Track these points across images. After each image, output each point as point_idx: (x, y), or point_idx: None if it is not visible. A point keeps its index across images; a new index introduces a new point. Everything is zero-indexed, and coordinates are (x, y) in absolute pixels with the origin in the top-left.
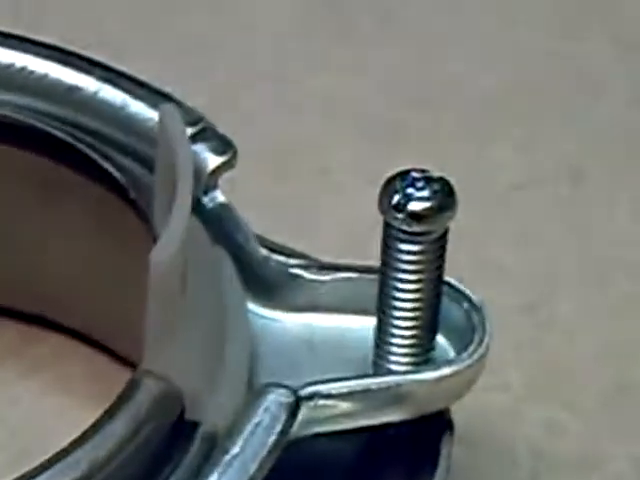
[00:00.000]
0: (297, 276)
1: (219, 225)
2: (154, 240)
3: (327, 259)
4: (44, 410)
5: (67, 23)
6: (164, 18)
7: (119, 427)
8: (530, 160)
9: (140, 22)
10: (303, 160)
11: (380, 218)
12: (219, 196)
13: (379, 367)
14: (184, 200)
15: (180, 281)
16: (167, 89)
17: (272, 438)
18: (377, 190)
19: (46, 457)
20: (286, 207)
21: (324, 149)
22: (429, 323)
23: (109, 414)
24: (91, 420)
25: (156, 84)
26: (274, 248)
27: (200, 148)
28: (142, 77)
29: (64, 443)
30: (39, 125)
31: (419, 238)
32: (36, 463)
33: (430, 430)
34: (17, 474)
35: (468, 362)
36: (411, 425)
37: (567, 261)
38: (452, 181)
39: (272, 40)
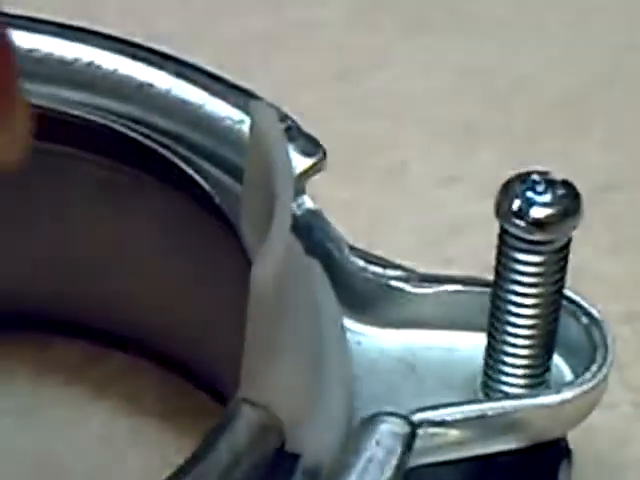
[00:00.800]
0: (397, 289)
1: (309, 233)
2: (241, 249)
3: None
4: (113, 434)
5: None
6: (227, 14)
7: (218, 459)
8: (616, 160)
9: (201, 19)
10: (372, 161)
11: (456, 221)
12: (308, 202)
13: (490, 389)
14: (284, 211)
15: (279, 300)
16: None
17: (387, 474)
18: (450, 192)
19: None
20: (356, 210)
21: (394, 150)
22: (546, 341)
23: (207, 445)
24: (165, 442)
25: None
26: (369, 259)
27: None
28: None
29: (138, 467)
30: (115, 127)
31: (541, 247)
32: None
33: (545, 458)
34: None
35: (591, 384)
36: (525, 453)
37: None
38: None
39: (336, 37)
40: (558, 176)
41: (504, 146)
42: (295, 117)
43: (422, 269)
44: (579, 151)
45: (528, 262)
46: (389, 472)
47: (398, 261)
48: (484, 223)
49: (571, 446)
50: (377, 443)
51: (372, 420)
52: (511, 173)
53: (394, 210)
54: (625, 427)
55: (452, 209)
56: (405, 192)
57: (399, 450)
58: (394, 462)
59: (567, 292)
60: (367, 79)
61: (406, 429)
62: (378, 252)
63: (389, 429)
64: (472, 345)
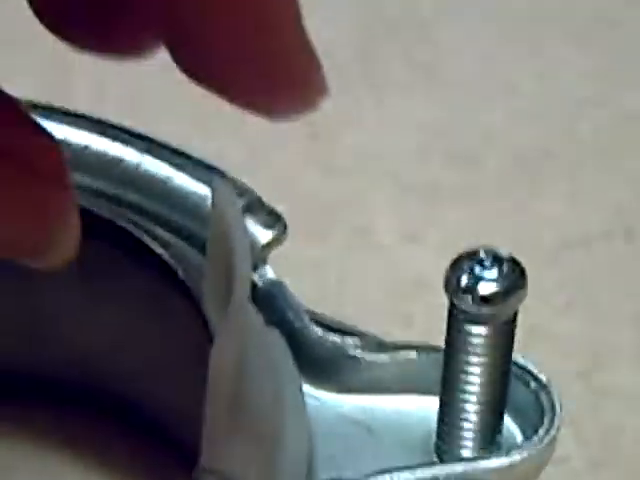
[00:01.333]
0: (354, 357)
1: (270, 303)
2: (203, 323)
3: (370, 325)
4: None
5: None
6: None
7: None
8: (579, 216)
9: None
10: (342, 220)
11: (423, 278)
12: (269, 272)
13: (444, 452)
14: (242, 288)
15: (238, 375)
16: (198, 150)
17: None
18: (415, 250)
19: None
20: (325, 268)
21: (360, 208)
22: (497, 406)
23: None
24: None
25: (187, 146)
26: (328, 325)
27: (249, 222)
28: (172, 139)
29: None
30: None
31: (488, 320)
32: None
33: None
34: None
35: (539, 447)
36: None
37: (622, 324)
38: (495, 240)
39: None
40: (504, 253)
41: (469, 203)
42: (266, 177)
43: (385, 327)
44: (541, 207)
45: (476, 334)
46: None
47: (363, 318)
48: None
49: None
50: None
51: None
52: (475, 230)
53: (361, 268)
54: None
55: (417, 267)
56: (371, 250)
57: None
58: None
59: (516, 358)
60: (337, 138)
61: None
62: (344, 310)
63: None
64: (427, 408)
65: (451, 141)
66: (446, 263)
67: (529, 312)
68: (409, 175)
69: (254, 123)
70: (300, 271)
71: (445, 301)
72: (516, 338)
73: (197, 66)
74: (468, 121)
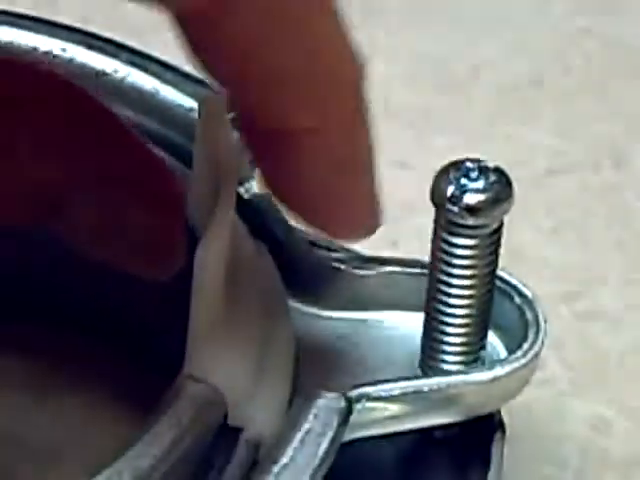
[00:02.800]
0: (340, 270)
1: (255, 217)
2: (190, 232)
3: (357, 247)
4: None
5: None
6: None
7: (162, 436)
8: (567, 143)
9: None
10: None
11: (410, 203)
12: (255, 187)
13: (428, 367)
14: (228, 197)
15: (223, 280)
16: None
17: (324, 446)
18: (402, 176)
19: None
20: None
21: None
22: (481, 320)
23: (151, 422)
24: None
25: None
26: (314, 241)
27: (237, 135)
28: (159, 52)
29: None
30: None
31: (473, 231)
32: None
33: (480, 431)
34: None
35: (523, 361)
36: (459, 427)
37: (608, 249)
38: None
39: None
40: (490, 163)
41: (457, 131)
42: None
43: (371, 250)
44: (529, 136)
45: (461, 245)
46: (325, 444)
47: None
48: (432, 207)
49: (509, 421)
50: (315, 417)
51: (311, 395)
52: (463, 157)
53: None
54: (562, 403)
55: (403, 193)
56: None
57: (335, 424)
58: (330, 435)
59: (501, 273)
60: None
61: (342, 404)
62: None
63: (326, 404)
64: (412, 324)
65: (442, 70)
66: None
67: (515, 235)
68: (398, 101)
69: None
70: None
71: (431, 225)
72: (502, 261)
73: (286, 193)
74: (460, 51)
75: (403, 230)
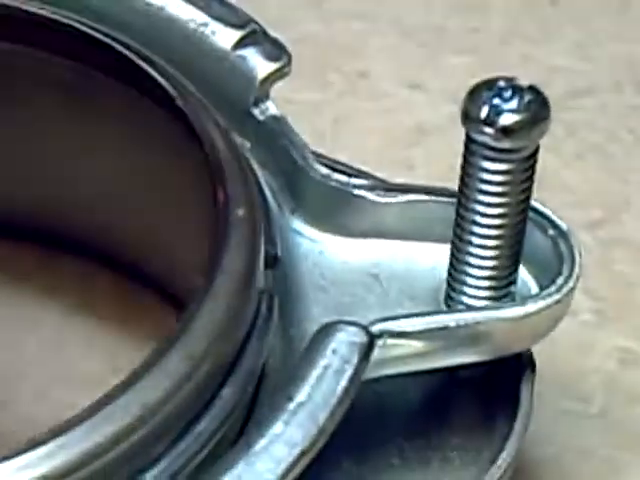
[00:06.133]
0: (361, 198)
1: (272, 139)
2: (200, 149)
3: (371, 170)
4: (69, 333)
5: None
6: None
7: (174, 366)
8: (584, 66)
9: None
10: (341, 65)
11: (425, 125)
12: (271, 108)
13: (453, 302)
14: None
15: None
16: None
17: (343, 384)
18: (416, 96)
19: (73, 391)
20: (322, 114)
21: (362, 53)
22: (512, 253)
23: (162, 351)
24: (118, 348)
25: None
26: (334, 167)
27: (250, 53)
28: None
29: (91, 372)
30: (80, 27)
31: (508, 156)
32: (60, 391)
33: (508, 371)
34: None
35: (556, 297)
36: (487, 366)
37: (631, 174)
38: None
39: None
40: (524, 82)
41: (473, 50)
42: (263, 20)
43: (385, 173)
44: (548, 57)
45: (495, 171)
46: (345, 381)
47: (361, 165)
48: (448, 129)
49: (534, 356)
50: (334, 352)
51: (330, 328)
52: (478, 79)
53: (360, 113)
54: (586, 335)
55: (418, 113)
56: (371, 95)
57: (356, 359)
58: (350, 371)
59: (535, 204)
60: None
61: (364, 338)
62: (342, 154)
63: (346, 338)
64: (436, 256)
65: None
66: (447, 110)
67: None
68: (411, 20)
69: None
70: (298, 115)
71: (444, 148)
72: None
73: None
74: None
75: (418, 153)
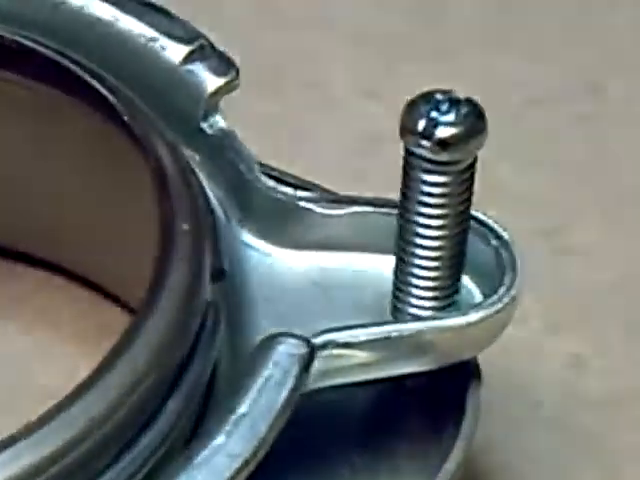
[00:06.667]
0: (307, 210)
1: (219, 153)
2: (150, 164)
3: (323, 181)
4: (27, 346)
5: None
6: None
7: (118, 379)
8: (538, 74)
9: None
10: (295, 74)
11: (377, 134)
12: (220, 121)
13: (399, 312)
14: None
15: None
16: None
17: (283, 395)
18: (370, 106)
19: (30, 404)
20: (278, 124)
21: (317, 62)
22: (454, 263)
23: (107, 365)
24: (77, 358)
25: None
26: (280, 178)
27: (198, 68)
28: None
29: (49, 382)
30: (27, 44)
31: (446, 168)
32: (21, 403)
33: (455, 379)
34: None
35: (498, 306)
36: (433, 374)
37: (585, 184)
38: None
39: None
40: (461, 95)
41: (426, 59)
42: (217, 30)
43: (339, 182)
44: (501, 65)
45: (434, 183)
46: (285, 392)
47: (315, 175)
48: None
49: (481, 361)
50: (275, 364)
51: (272, 341)
52: (431, 87)
53: (315, 123)
54: (536, 342)
55: (371, 123)
56: (326, 105)
57: (296, 371)
58: (291, 383)
59: (477, 214)
60: None
61: (304, 350)
62: (296, 165)
63: (287, 350)
64: (382, 267)
65: None
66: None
67: (491, 169)
68: (366, 27)
69: None
70: (251, 126)
71: (400, 158)
72: (477, 196)
73: None
74: None
75: (371, 163)
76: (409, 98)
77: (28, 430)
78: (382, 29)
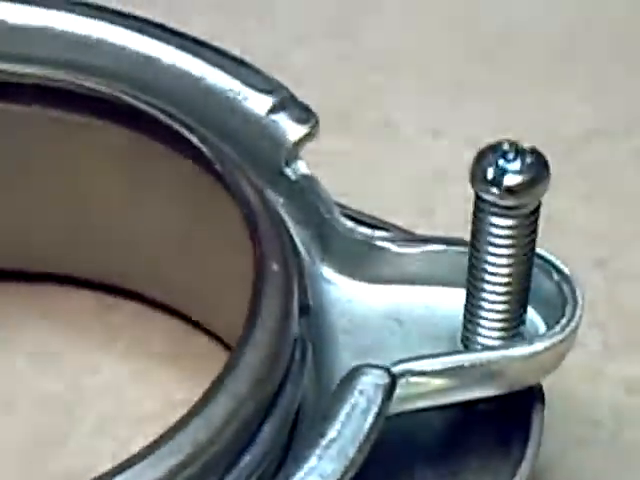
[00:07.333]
0: (384, 249)
1: (301, 197)
2: (242, 213)
3: (392, 215)
4: (124, 376)
5: None
6: None
7: (221, 407)
8: (598, 110)
9: None
10: (365, 115)
11: (442, 170)
12: (302, 167)
13: (469, 342)
14: None
15: None
16: (224, 45)
17: (369, 421)
18: (437, 143)
19: (130, 427)
20: (348, 162)
21: (387, 103)
22: (520, 296)
23: (209, 395)
24: (170, 385)
25: (209, 39)
26: (359, 219)
27: (281, 118)
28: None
29: (147, 410)
30: (124, 98)
31: (513, 212)
32: (119, 430)
33: (520, 403)
34: (107, 439)
35: (560, 336)
36: (501, 399)
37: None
38: (518, 133)
39: None
40: (526, 145)
41: (488, 99)
42: (291, 76)
43: (408, 218)
44: (561, 102)
45: (502, 225)
46: (371, 419)
47: (384, 210)
48: (467, 174)
49: (543, 384)
50: (360, 392)
51: (357, 372)
52: (494, 125)
53: (384, 161)
54: (595, 365)
55: (438, 160)
56: (394, 144)
57: (380, 399)
58: (375, 409)
59: (540, 251)
60: (361, 37)
61: (387, 380)
62: (366, 201)
63: (371, 380)
64: (454, 301)
65: (473, 37)
66: (467, 156)
67: (548, 202)
68: (432, 71)
69: (279, 19)
70: (323, 164)
71: (465, 193)
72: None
73: None
74: (486, 14)
75: (438, 198)
76: (473, 138)
77: (139, 457)
78: (446, 70)
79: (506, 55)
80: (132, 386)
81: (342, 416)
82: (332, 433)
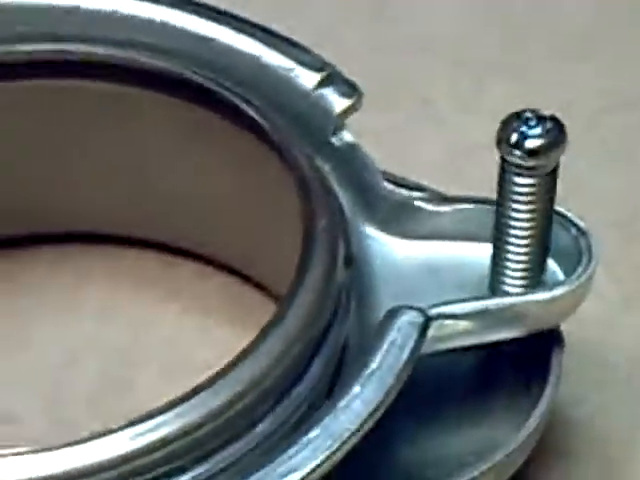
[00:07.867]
0: (420, 208)
1: (347, 163)
2: (298, 184)
3: (429, 181)
4: (184, 329)
5: None
6: None
7: (273, 347)
8: (615, 85)
9: None
10: (402, 94)
11: (475, 143)
12: (346, 136)
13: (495, 289)
14: None
15: None
16: (278, 27)
17: (406, 355)
18: (468, 120)
19: (191, 374)
20: (389, 135)
21: (424, 82)
22: (541, 249)
23: (263, 334)
24: (228, 336)
25: (264, 22)
26: (399, 182)
27: (328, 92)
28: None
29: (206, 359)
30: (188, 74)
31: (534, 172)
32: (181, 381)
33: (541, 345)
34: (171, 385)
35: (577, 283)
36: (523, 341)
37: None
38: (540, 106)
39: None
40: (546, 112)
41: (515, 78)
42: (336, 54)
43: (442, 186)
44: (581, 74)
45: (524, 184)
46: (407, 353)
47: (422, 179)
48: (493, 144)
49: (564, 334)
50: (398, 330)
51: (395, 312)
52: (518, 102)
53: (421, 133)
54: (612, 315)
55: (469, 135)
56: (430, 119)
57: (415, 336)
58: (411, 345)
59: (559, 209)
60: (400, 18)
61: (421, 319)
62: (407, 168)
63: (408, 319)
64: (481, 253)
65: (501, 24)
66: (494, 129)
67: (569, 167)
68: (464, 53)
69: (324, 4)
70: (367, 136)
71: (492, 161)
72: (557, 192)
73: None
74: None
75: (468, 166)
76: (500, 113)
77: (202, 387)
78: (476, 52)
79: (533, 36)
80: (191, 338)
81: (382, 350)
82: (373, 365)
